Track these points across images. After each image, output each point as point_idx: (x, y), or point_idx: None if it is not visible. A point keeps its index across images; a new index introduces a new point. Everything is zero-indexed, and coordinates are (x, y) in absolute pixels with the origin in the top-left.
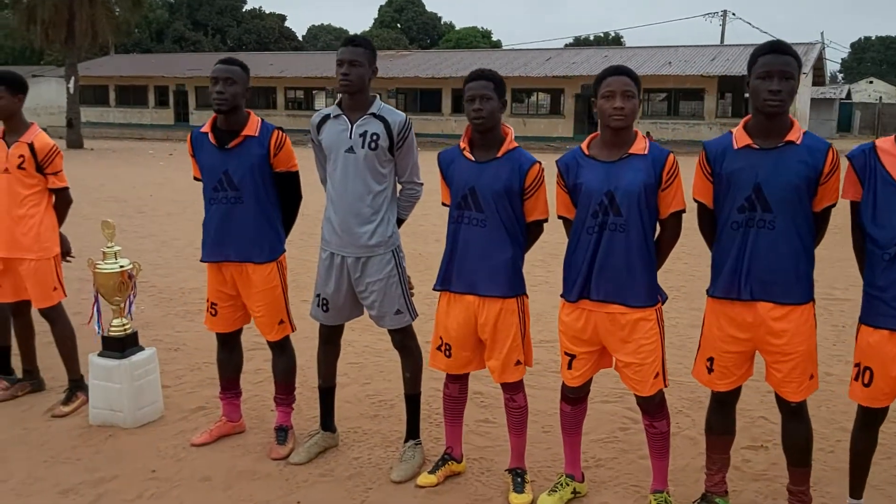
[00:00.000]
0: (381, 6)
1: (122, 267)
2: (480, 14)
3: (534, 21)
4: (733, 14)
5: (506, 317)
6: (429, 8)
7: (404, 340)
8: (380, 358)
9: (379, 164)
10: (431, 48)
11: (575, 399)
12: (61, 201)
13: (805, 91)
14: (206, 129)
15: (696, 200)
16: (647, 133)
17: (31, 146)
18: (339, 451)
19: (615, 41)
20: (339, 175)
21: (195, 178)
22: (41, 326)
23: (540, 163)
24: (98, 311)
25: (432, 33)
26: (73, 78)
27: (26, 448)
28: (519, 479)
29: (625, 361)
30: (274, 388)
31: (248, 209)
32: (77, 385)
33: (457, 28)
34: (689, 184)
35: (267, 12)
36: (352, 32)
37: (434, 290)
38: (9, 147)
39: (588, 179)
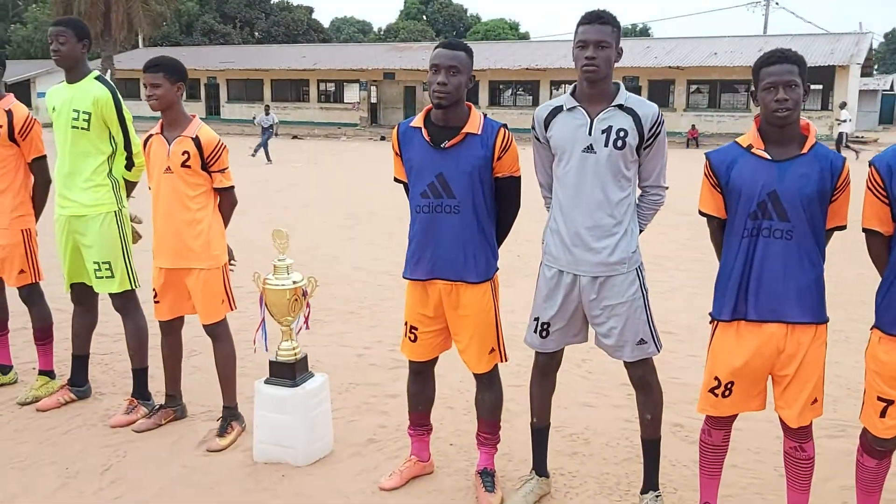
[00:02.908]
0: None
1: (295, 283)
2: (505, 5)
3: (559, 12)
4: (776, 3)
5: (817, 347)
6: None
7: (646, 376)
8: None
9: (624, 165)
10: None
11: (883, 452)
12: (227, 202)
13: (854, 83)
14: (417, 123)
15: None
16: (693, 126)
17: (195, 141)
18: (556, 500)
19: (643, 33)
20: (574, 179)
21: (396, 180)
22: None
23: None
24: (265, 330)
25: (458, 25)
26: (108, 71)
27: (195, 492)
28: None
29: None
30: (477, 426)
31: (465, 220)
32: (232, 414)
33: (483, 20)
34: None
35: (295, 4)
36: (377, 26)
37: (718, 319)
38: (169, 144)
39: None
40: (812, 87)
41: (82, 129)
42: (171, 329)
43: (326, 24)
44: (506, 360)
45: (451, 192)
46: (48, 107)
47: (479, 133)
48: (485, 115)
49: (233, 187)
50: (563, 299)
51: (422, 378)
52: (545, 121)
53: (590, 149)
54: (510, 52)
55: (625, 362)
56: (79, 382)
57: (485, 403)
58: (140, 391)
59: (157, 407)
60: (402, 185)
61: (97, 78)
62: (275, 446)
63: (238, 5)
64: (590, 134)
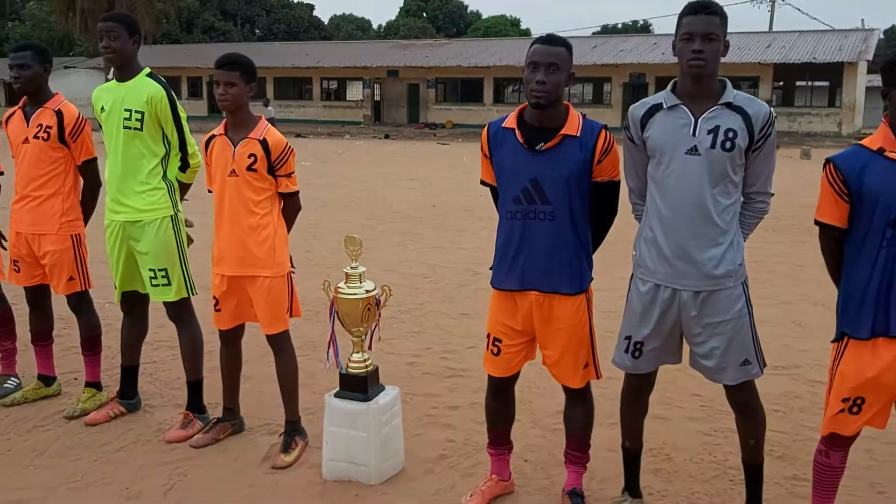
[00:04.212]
0: None
1: (367, 292)
2: (506, 1)
3: (559, 9)
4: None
5: None
6: None
7: (749, 400)
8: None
9: (732, 168)
10: (458, 37)
11: None
12: (292, 207)
13: (862, 80)
14: (510, 123)
15: None
16: None
17: (263, 144)
18: None
19: (644, 29)
20: (675, 184)
21: (482, 183)
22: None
23: None
24: (335, 342)
25: (459, 22)
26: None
27: None
28: None
29: None
30: (566, 443)
31: (560, 227)
32: (295, 428)
33: (483, 16)
34: None
35: (295, 1)
36: (376, 23)
37: (852, 337)
38: (235, 145)
39: None
40: (819, 84)
41: (135, 129)
42: (232, 338)
43: (325, 22)
44: (600, 377)
45: (545, 197)
46: (95, 107)
47: (578, 135)
48: (583, 115)
49: (298, 192)
50: (660, 316)
51: (503, 395)
52: (641, 120)
53: (693, 150)
54: (515, 49)
55: (726, 386)
56: (129, 395)
57: (576, 420)
58: (195, 404)
59: (214, 421)
60: (488, 188)
61: (149, 75)
62: (346, 464)
63: (239, 2)
64: (694, 134)
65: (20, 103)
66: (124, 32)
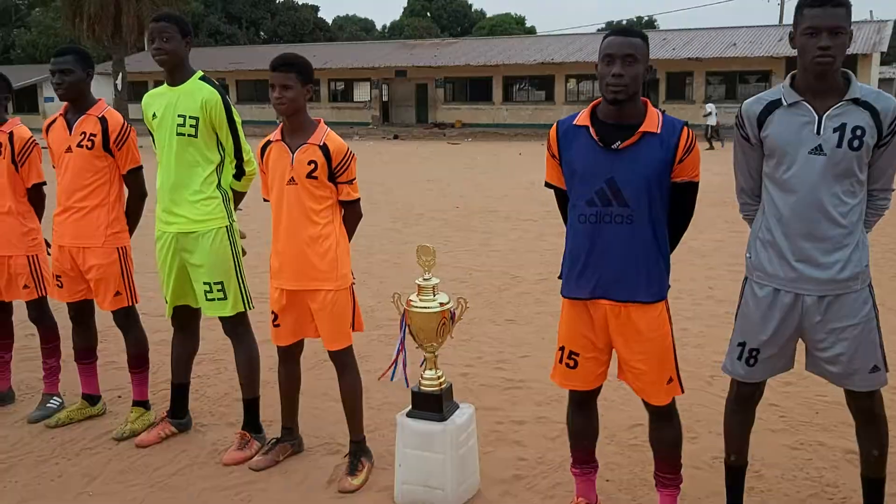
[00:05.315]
0: None
1: (442, 305)
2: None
3: (564, 6)
4: None
5: None
6: None
7: (875, 408)
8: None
9: (859, 167)
10: (463, 36)
11: None
12: (353, 215)
13: (875, 71)
14: (582, 120)
15: None
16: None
17: (324, 149)
18: None
19: (648, 25)
20: (797, 184)
21: (548, 185)
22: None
23: None
24: (404, 358)
25: (463, 21)
26: (120, 74)
27: None
28: None
29: None
30: (655, 466)
31: (638, 231)
32: (361, 449)
33: (488, 15)
34: None
35: (300, 3)
36: (380, 24)
37: None
38: (293, 152)
39: None
40: None
41: (189, 136)
42: (291, 355)
43: (329, 23)
44: (683, 392)
45: (623, 199)
46: (145, 114)
47: (659, 132)
48: (663, 112)
49: (359, 199)
50: (780, 323)
51: (586, 409)
52: (759, 118)
53: (818, 150)
54: (523, 47)
55: (849, 391)
56: (179, 414)
57: (665, 441)
58: (252, 423)
59: (273, 441)
60: (552, 190)
61: (202, 78)
62: (421, 487)
63: (244, 5)
64: (818, 133)
65: (61, 110)
66: (177, 33)
